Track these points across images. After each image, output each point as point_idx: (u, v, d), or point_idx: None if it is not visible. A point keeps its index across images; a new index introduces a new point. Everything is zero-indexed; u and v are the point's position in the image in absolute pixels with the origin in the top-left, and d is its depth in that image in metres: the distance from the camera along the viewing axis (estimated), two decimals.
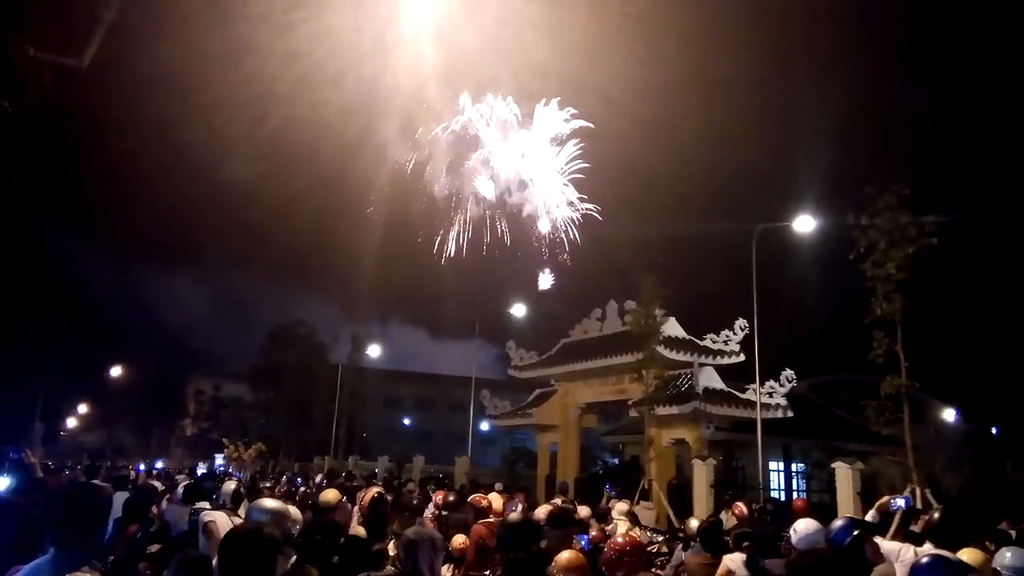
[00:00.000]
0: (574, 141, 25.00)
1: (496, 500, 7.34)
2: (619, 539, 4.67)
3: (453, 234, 25.46)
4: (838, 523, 4.73)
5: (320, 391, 40.00)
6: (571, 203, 25.32)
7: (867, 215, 13.46)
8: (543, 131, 25.00)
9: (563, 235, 25.46)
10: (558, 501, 9.90)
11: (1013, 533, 8.19)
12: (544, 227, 25.40)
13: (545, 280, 25.73)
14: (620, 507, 10.24)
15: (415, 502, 11.15)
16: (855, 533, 4.58)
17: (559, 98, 24.53)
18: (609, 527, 9.13)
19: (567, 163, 25.35)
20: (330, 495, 7.27)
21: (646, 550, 5.58)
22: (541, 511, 7.06)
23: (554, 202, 25.58)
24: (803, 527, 5.66)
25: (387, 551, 6.61)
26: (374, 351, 40.75)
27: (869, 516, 6.31)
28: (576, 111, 24.65)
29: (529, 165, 25.39)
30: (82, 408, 59.93)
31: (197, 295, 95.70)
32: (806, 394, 29.51)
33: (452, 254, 25.54)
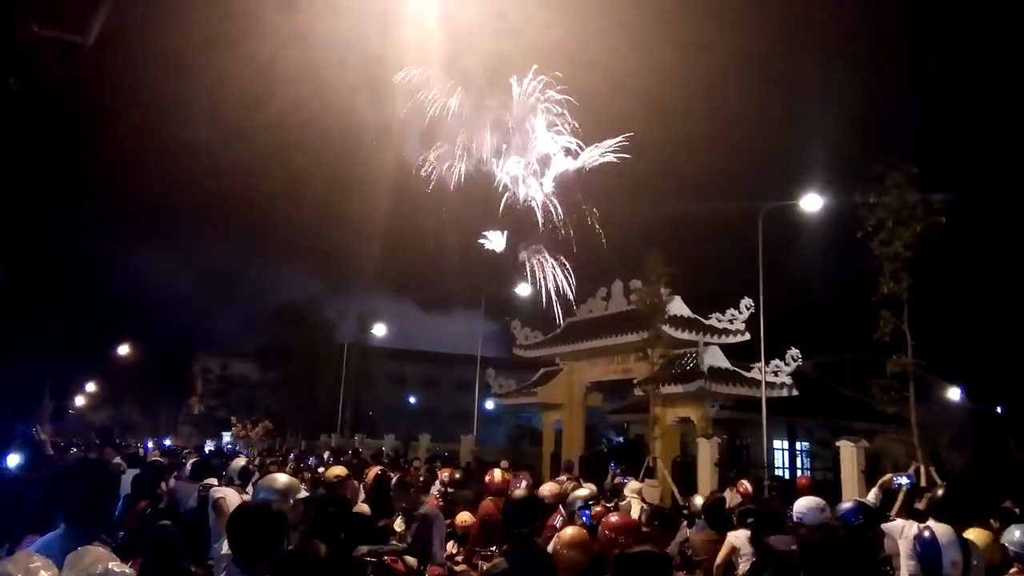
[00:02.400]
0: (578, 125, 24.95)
1: (499, 477, 7.39)
2: (613, 518, 4.68)
3: (455, 211, 25.49)
4: (847, 504, 4.72)
5: (326, 370, 40.21)
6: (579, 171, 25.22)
7: (874, 194, 13.39)
8: (543, 108, 24.94)
9: (556, 209, 25.44)
10: (564, 479, 9.96)
11: (1017, 511, 8.21)
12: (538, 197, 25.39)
13: (497, 241, 25.82)
14: (632, 486, 10.32)
15: (421, 480, 11.25)
16: (863, 516, 4.57)
17: (557, 74, 24.42)
18: (623, 503, 9.19)
19: (574, 144, 25.27)
20: (336, 470, 7.37)
21: (641, 529, 5.60)
22: (546, 488, 7.12)
23: (549, 177, 25.54)
24: (804, 503, 5.69)
25: (392, 527, 6.67)
26: (379, 330, 40.91)
27: (872, 494, 6.34)
28: (574, 90, 24.54)
29: (530, 141, 25.33)
30: (90, 386, 60.38)
31: (204, 274, 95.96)
32: (811, 373, 29.47)
33: (455, 232, 25.57)
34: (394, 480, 8.25)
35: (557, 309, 25.64)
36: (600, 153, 25.28)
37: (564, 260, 25.97)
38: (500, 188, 25.79)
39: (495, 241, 26.10)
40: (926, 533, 4.89)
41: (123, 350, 56.80)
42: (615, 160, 25.27)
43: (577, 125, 25.24)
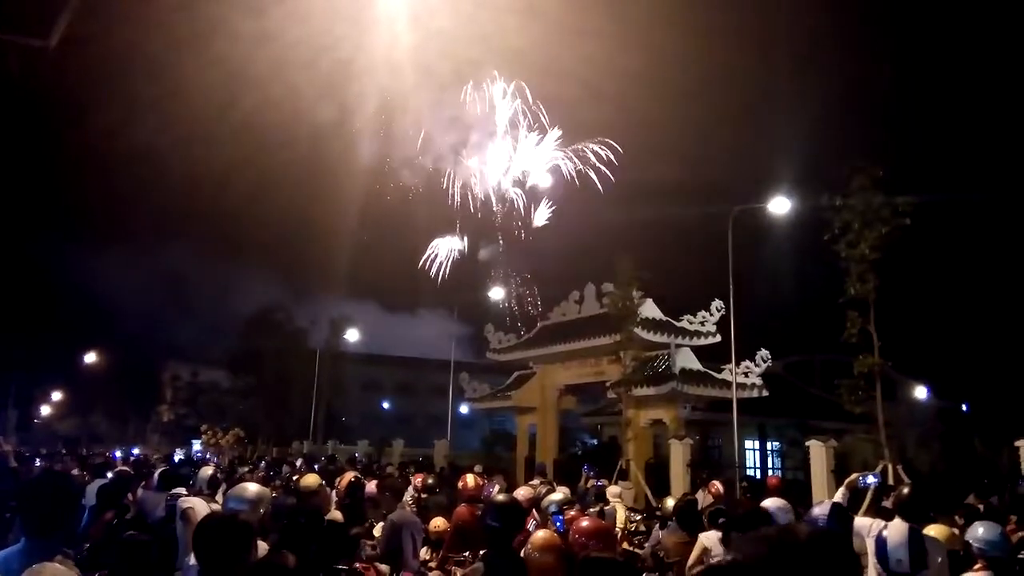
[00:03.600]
0: (554, 134, 25.05)
1: (472, 482, 7.36)
2: (584, 522, 4.68)
3: (426, 217, 25.54)
4: (822, 509, 4.68)
5: (298, 376, 39.81)
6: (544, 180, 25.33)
7: (841, 196, 13.58)
8: (511, 112, 25.06)
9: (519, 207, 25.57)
10: (536, 482, 9.95)
11: (981, 507, 8.36)
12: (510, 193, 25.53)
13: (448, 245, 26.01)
14: (614, 490, 10.36)
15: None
16: (838, 523, 4.54)
17: (524, 80, 24.53)
18: (607, 508, 9.21)
19: (540, 148, 25.37)
20: (310, 479, 7.26)
21: (613, 533, 5.60)
22: (519, 493, 7.10)
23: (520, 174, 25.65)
24: (771, 504, 5.73)
25: (364, 535, 6.61)
26: (352, 335, 40.62)
27: (839, 494, 6.41)
28: (543, 95, 24.67)
29: (497, 143, 25.45)
30: (56, 395, 59.21)
31: (172, 280, 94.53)
32: (781, 374, 29.75)
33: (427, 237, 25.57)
34: (374, 485, 8.17)
35: (513, 309, 25.67)
36: (564, 156, 25.45)
37: (519, 269, 26.19)
38: (462, 189, 25.90)
39: (445, 246, 26.21)
40: (884, 532, 4.97)
41: (90, 358, 55.81)
42: (585, 164, 25.43)
43: (546, 128, 25.35)
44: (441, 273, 30.09)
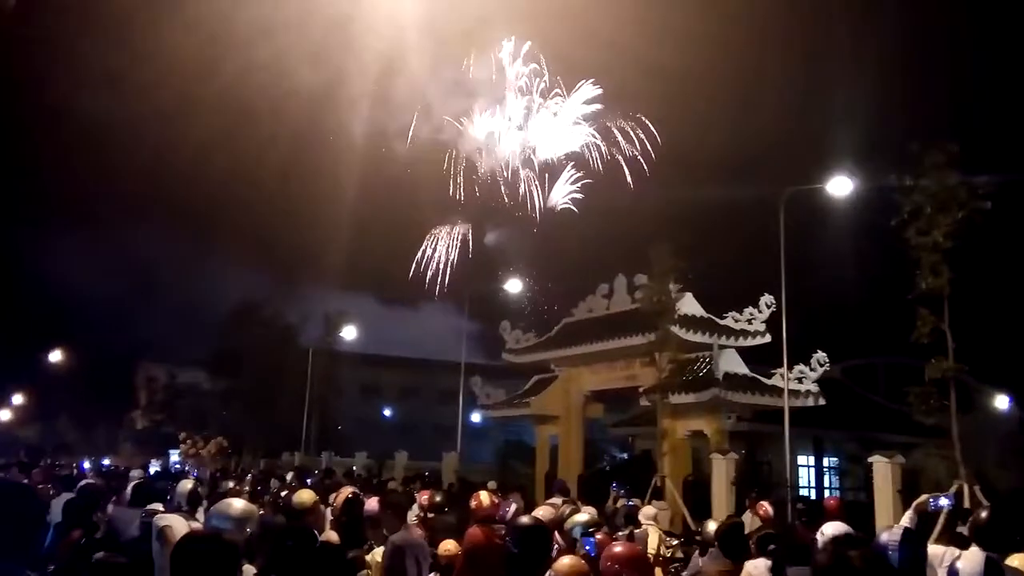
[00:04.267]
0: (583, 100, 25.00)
1: (487, 501, 7.36)
2: (617, 548, 4.67)
3: (434, 198, 25.63)
4: (891, 535, 4.53)
5: (289, 379, 40.05)
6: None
7: (911, 176, 13.45)
8: (525, 77, 25.04)
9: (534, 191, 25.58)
10: (558, 501, 9.96)
11: None
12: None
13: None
14: (648, 511, 10.35)
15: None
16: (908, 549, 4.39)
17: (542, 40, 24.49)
18: (639, 531, 9.19)
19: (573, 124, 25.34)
20: (304, 496, 7.28)
21: (648, 561, 5.59)
22: (539, 513, 7.11)
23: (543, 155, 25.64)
24: (831, 531, 5.69)
25: (364, 558, 6.64)
26: (349, 333, 40.79)
27: (906, 517, 6.35)
28: (565, 60, 24.64)
29: (521, 120, 25.43)
30: (17, 399, 59.93)
31: (146, 271, 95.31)
32: (840, 379, 29.55)
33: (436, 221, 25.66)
34: (375, 502, 8.20)
35: (531, 303, 25.64)
36: (589, 128, 25.40)
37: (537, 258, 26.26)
38: (468, 166, 25.94)
39: (452, 231, 26.28)
40: (958, 562, 4.92)
41: (55, 357, 56.40)
42: (613, 137, 25.35)
43: (565, 95, 25.30)
44: (448, 262, 30.16)
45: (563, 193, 26.02)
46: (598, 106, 25.71)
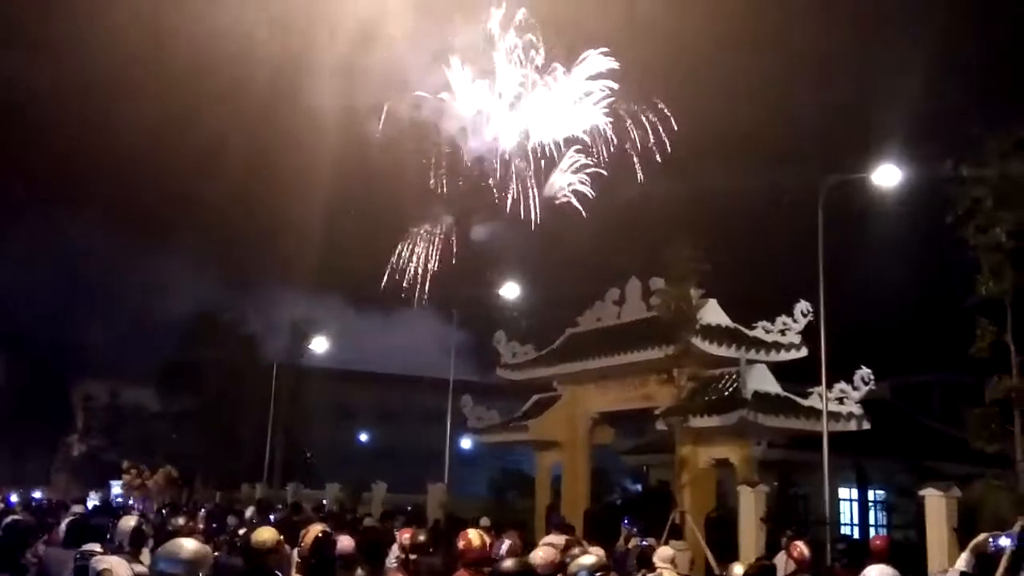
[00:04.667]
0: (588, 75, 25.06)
1: (478, 540, 7.36)
2: None
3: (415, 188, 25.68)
4: None
5: (249, 398, 40.07)
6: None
7: (970, 164, 13.48)
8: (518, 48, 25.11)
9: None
10: (559, 540, 9.96)
11: None
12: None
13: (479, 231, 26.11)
14: (663, 552, 10.34)
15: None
16: None
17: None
18: (654, 575, 9.20)
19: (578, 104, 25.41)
20: (266, 535, 7.26)
21: None
22: (538, 555, 7.10)
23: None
24: (876, 573, 5.69)
25: None
26: (320, 345, 40.78)
27: (963, 560, 6.36)
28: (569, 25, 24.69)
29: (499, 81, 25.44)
30: None
31: (84, 274, 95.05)
32: (888, 399, 29.61)
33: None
34: (349, 542, 8.19)
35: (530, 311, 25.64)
36: (595, 107, 25.41)
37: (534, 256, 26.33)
38: (451, 150, 25.97)
39: (435, 226, 26.39)
40: None
41: None
42: (623, 120, 25.39)
43: (565, 70, 25.32)
44: (432, 263, 30.15)
45: (564, 183, 26.05)
46: (609, 84, 25.71)
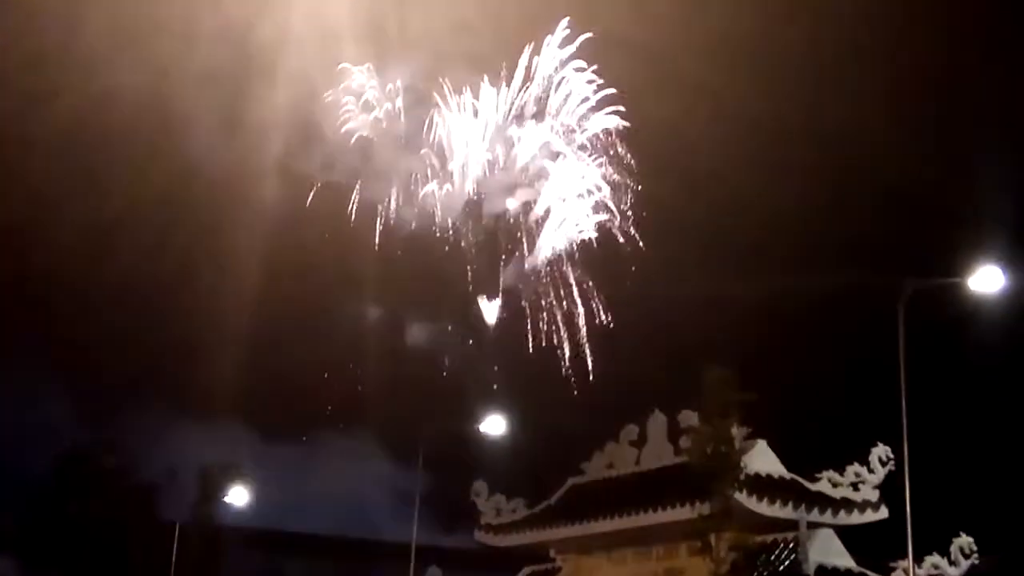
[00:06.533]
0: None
1: None
2: None
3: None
4: None
5: (143, 567, 39.63)
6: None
7: None
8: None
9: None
10: None
11: None
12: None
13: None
14: None
15: None
16: None
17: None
18: None
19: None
20: None
21: None
22: None
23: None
24: None
25: None
26: (239, 497, 40.49)
27: None
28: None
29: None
30: None
31: None
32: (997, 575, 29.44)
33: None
34: None
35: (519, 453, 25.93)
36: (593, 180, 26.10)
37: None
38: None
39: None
40: None
41: None
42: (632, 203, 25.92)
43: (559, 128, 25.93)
44: (381, 381, 30.44)
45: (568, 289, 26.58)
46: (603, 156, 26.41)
